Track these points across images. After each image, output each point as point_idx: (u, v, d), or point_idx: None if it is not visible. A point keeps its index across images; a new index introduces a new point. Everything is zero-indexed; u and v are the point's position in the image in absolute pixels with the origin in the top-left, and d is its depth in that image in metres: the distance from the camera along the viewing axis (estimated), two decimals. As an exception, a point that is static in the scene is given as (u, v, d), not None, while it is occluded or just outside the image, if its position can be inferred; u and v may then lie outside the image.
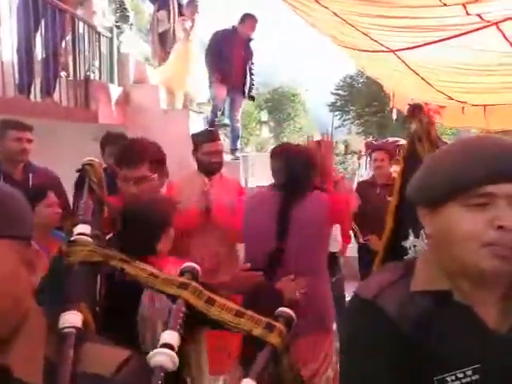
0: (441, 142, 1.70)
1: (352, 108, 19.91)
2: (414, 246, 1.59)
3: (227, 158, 4.66)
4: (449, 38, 2.26)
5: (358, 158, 9.38)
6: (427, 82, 2.86)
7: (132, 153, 1.57)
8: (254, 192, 2.27)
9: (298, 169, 1.84)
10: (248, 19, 4.58)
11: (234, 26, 4.59)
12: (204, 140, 2.27)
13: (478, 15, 2.01)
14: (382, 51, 2.67)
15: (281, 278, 1.73)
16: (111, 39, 4.39)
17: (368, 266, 2.62)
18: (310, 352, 1.80)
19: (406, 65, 2.71)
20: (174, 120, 3.97)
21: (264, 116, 24.58)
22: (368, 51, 2.79)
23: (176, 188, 2.21)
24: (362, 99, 18.92)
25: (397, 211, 1.66)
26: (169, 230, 1.39)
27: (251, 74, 4.76)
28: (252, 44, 4.71)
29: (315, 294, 1.79)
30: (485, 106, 3.16)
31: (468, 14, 1.97)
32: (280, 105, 26.18)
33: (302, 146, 2.12)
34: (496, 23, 2.07)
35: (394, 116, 4.15)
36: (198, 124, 4.68)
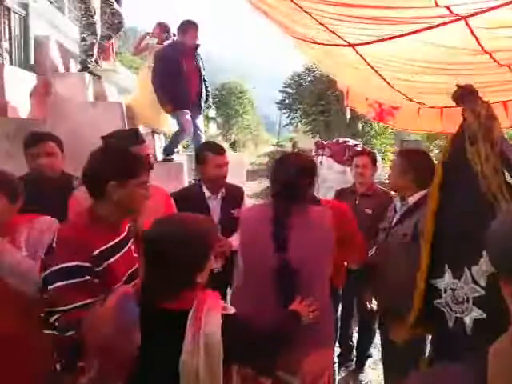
0: (508, 147, 1.25)
1: (300, 106, 20.03)
2: (453, 290, 1.29)
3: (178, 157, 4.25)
4: (414, 33, 2.06)
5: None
6: (386, 81, 2.68)
7: None
8: (250, 207, 2.10)
9: (295, 177, 1.76)
10: (189, 27, 4.22)
11: (175, 40, 4.25)
12: (130, 143, 1.91)
13: (447, 7, 1.82)
14: (341, 45, 2.44)
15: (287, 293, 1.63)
16: (25, 17, 3.74)
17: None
18: (318, 367, 1.74)
19: (366, 61, 2.50)
20: (106, 114, 3.47)
21: (211, 112, 24.07)
22: (325, 44, 2.55)
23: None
24: (310, 98, 19.08)
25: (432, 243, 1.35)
26: (210, 262, 1.22)
27: (205, 82, 4.47)
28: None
29: (321, 311, 1.68)
30: (442, 108, 3.06)
31: (437, 5, 1.78)
32: (227, 101, 25.84)
33: (302, 155, 2.09)
34: (465, 17, 1.89)
35: (348, 115, 3.98)
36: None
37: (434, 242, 1.35)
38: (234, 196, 2.53)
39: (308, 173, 1.82)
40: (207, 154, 2.44)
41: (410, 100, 2.93)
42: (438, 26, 1.97)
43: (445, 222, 1.34)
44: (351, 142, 5.32)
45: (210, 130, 21.18)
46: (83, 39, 3.85)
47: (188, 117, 4.04)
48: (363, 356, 3.09)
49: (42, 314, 1.33)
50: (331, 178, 4.80)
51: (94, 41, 3.87)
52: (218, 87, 28.07)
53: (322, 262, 1.74)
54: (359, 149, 4.93)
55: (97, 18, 3.81)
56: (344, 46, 2.44)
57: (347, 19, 2.08)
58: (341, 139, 5.65)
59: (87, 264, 1.30)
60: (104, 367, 1.10)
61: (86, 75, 3.80)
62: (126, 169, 1.47)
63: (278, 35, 3.03)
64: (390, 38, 2.20)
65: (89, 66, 3.87)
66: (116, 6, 4.18)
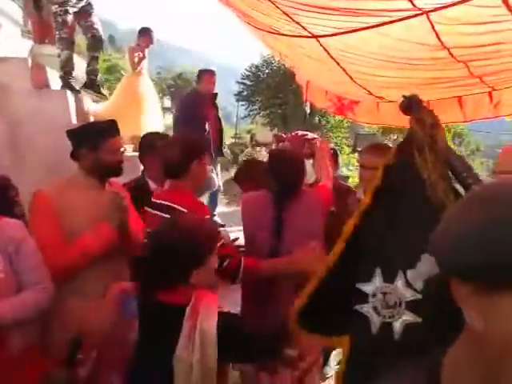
0: (452, 154, 1.29)
1: (258, 98, 20.01)
2: (384, 294, 1.21)
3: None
4: (377, 26, 2.05)
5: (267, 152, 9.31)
6: (348, 74, 2.67)
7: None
8: (249, 195, 2.24)
9: (292, 172, 2.01)
10: (205, 75, 4.28)
11: (194, 89, 4.32)
12: (110, 134, 1.75)
13: (410, 1, 1.82)
14: (304, 36, 2.39)
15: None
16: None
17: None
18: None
19: (329, 53, 2.47)
20: (49, 103, 3.19)
21: (167, 102, 23.44)
22: (289, 35, 2.49)
23: (56, 199, 1.61)
24: (267, 90, 19.10)
25: (352, 241, 1.30)
26: (209, 260, 1.23)
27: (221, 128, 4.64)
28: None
29: None
30: (400, 102, 3.10)
31: (402, -4, 1.78)
32: (184, 91, 25.29)
33: (293, 151, 2.35)
34: (426, 12, 1.90)
35: (308, 110, 3.97)
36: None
37: (361, 244, 1.30)
38: None
39: (303, 170, 2.11)
40: (151, 144, 2.32)
41: (371, 94, 2.95)
42: (400, 19, 1.97)
43: (378, 224, 1.30)
44: (310, 135, 5.33)
45: (165, 121, 20.65)
46: (58, 55, 3.57)
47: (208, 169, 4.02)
48: (328, 349, 3.10)
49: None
50: (291, 171, 4.84)
51: (68, 55, 3.59)
52: (173, 76, 27.37)
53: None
54: (318, 143, 4.92)
55: (68, 31, 3.51)
56: (307, 37, 2.40)
57: (311, 9, 2.03)
58: (299, 132, 5.62)
59: None
60: (102, 358, 1.15)
61: (29, 60, 3.48)
62: (202, 149, 1.95)
63: (235, 25, 2.94)
64: (354, 31, 2.18)
65: (70, 81, 3.61)
66: (92, 18, 3.77)
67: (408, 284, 1.20)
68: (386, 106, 3.24)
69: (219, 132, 4.61)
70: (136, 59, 4.46)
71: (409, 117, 1.42)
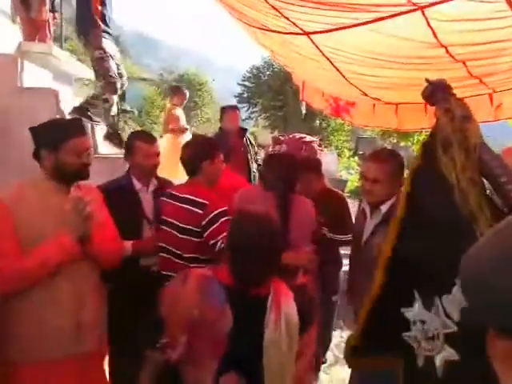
0: (488, 153, 1.05)
1: (259, 100, 19.94)
2: (422, 323, 1.07)
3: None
4: (370, 22, 1.95)
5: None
6: (341, 74, 2.56)
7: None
8: (247, 191, 2.36)
9: (291, 174, 2.20)
10: (228, 111, 4.09)
11: (219, 128, 4.17)
12: (72, 134, 1.60)
13: (405, -5, 1.71)
14: (295, 33, 2.29)
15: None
16: None
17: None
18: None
19: (321, 52, 2.36)
20: (39, 102, 3.09)
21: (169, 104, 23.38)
22: (279, 32, 2.39)
23: (14, 204, 1.49)
24: (268, 92, 19.03)
25: (391, 264, 1.15)
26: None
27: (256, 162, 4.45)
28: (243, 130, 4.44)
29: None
30: (397, 104, 3.00)
31: (395, -10, 1.67)
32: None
33: (289, 155, 2.47)
34: (422, 7, 1.80)
35: (303, 110, 3.86)
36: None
37: (400, 264, 1.14)
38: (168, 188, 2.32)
39: (298, 169, 2.31)
40: (135, 142, 2.22)
41: (366, 95, 2.84)
42: (394, 15, 1.87)
43: (412, 242, 1.13)
44: (308, 137, 5.23)
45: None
46: (105, 100, 3.43)
47: None
48: (318, 361, 2.99)
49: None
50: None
51: (115, 99, 3.49)
52: (175, 78, 27.33)
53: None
54: (315, 145, 4.79)
55: (116, 75, 3.41)
56: (299, 34, 2.29)
57: (300, 3, 1.93)
58: (297, 135, 5.51)
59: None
60: (195, 345, 1.22)
61: (18, 59, 3.39)
62: (214, 151, 2.14)
63: (236, 26, 2.85)
64: (346, 27, 2.07)
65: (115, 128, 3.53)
66: (114, 57, 3.65)
67: (445, 313, 1.03)
68: (382, 108, 3.13)
69: (249, 164, 4.38)
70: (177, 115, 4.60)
71: (432, 108, 1.24)
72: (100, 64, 3.40)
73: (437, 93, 1.19)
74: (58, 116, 3.20)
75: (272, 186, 2.17)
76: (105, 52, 3.37)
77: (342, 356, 3.32)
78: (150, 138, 2.27)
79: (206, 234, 1.95)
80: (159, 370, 1.30)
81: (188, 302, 1.23)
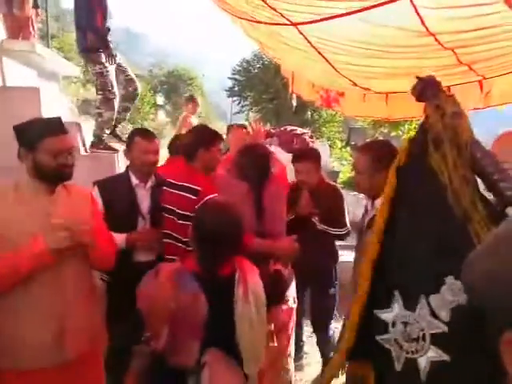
0: (480, 150, 1.01)
1: (249, 94, 19.83)
2: (405, 324, 1.02)
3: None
4: (358, 11, 1.92)
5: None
6: (330, 64, 2.54)
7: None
8: (220, 180, 2.32)
9: (266, 164, 2.19)
10: (232, 130, 3.78)
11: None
12: (48, 133, 1.54)
13: (392, -17, 1.69)
14: (283, 24, 2.26)
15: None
16: None
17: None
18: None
19: (310, 42, 2.34)
20: (22, 100, 3.03)
21: (160, 100, 23.16)
22: (267, 23, 2.36)
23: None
24: (259, 85, 18.93)
25: (375, 265, 1.11)
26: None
27: None
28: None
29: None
30: (387, 93, 2.99)
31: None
32: (176, 88, 25.04)
33: (261, 145, 2.41)
34: (410, -5, 1.78)
35: (294, 103, 3.83)
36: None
37: (379, 265, 1.10)
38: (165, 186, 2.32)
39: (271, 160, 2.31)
40: (135, 138, 2.22)
41: (356, 85, 2.83)
42: (383, 3, 1.84)
43: (396, 241, 1.10)
44: (299, 130, 5.20)
45: (158, 118, 20.37)
46: (100, 114, 3.42)
47: None
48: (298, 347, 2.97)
49: None
50: (280, 167, 4.71)
51: (112, 116, 3.47)
52: (165, 74, 27.08)
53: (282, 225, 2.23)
54: (307, 137, 4.75)
55: (115, 91, 3.41)
56: (286, 24, 2.27)
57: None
58: (288, 127, 5.48)
59: None
60: (178, 333, 1.32)
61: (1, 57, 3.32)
62: (210, 140, 2.25)
63: (226, 20, 2.81)
64: (334, 17, 2.05)
65: (103, 139, 3.49)
66: (130, 72, 3.74)
67: (432, 313, 1.00)
68: (372, 98, 3.12)
69: None
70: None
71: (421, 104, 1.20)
72: (99, 79, 3.41)
73: (427, 89, 1.16)
74: (42, 115, 3.15)
75: (246, 174, 2.17)
76: (105, 67, 3.38)
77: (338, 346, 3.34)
78: (149, 135, 2.24)
79: None
80: (147, 362, 1.38)
81: (163, 297, 1.30)
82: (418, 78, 1.27)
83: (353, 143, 18.65)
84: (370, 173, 1.79)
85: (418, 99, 1.26)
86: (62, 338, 1.49)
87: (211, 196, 1.57)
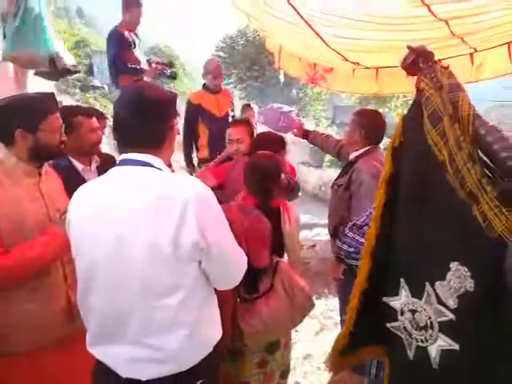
0: (484, 125, 0.90)
1: (234, 72, 19.43)
2: (412, 312, 0.99)
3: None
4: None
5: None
6: (320, 37, 2.46)
7: None
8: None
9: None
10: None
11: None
12: (50, 111, 1.45)
13: (386, -51, 1.61)
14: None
15: None
16: None
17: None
18: None
19: (299, 14, 2.25)
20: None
21: (142, 78, 22.51)
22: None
23: None
24: (243, 63, 18.56)
25: (375, 251, 1.06)
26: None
27: None
28: None
29: None
30: (377, 68, 2.93)
31: None
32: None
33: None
34: (404, -38, 1.71)
35: (282, 78, 3.74)
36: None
37: (381, 251, 1.05)
38: (112, 164, 2.12)
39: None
40: (75, 118, 1.96)
41: (346, 60, 2.76)
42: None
43: (397, 226, 1.03)
44: (285, 107, 5.09)
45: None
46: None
47: None
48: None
49: None
50: (267, 145, 4.62)
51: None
52: (146, 52, 26.26)
53: None
54: (294, 115, 4.64)
55: None
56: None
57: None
58: (274, 105, 5.36)
59: None
60: (253, 244, 1.74)
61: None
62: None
63: None
64: (325, -14, 1.96)
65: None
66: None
67: (439, 301, 0.96)
68: (362, 73, 3.05)
69: None
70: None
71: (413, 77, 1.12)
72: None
73: (420, 61, 1.07)
74: (18, 90, 3.00)
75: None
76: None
77: (327, 323, 3.37)
78: (91, 112, 2.10)
79: None
80: None
81: (237, 221, 1.71)
82: (409, 47, 1.18)
83: (338, 122, 18.60)
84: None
85: (410, 72, 1.18)
86: (70, 309, 1.51)
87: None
